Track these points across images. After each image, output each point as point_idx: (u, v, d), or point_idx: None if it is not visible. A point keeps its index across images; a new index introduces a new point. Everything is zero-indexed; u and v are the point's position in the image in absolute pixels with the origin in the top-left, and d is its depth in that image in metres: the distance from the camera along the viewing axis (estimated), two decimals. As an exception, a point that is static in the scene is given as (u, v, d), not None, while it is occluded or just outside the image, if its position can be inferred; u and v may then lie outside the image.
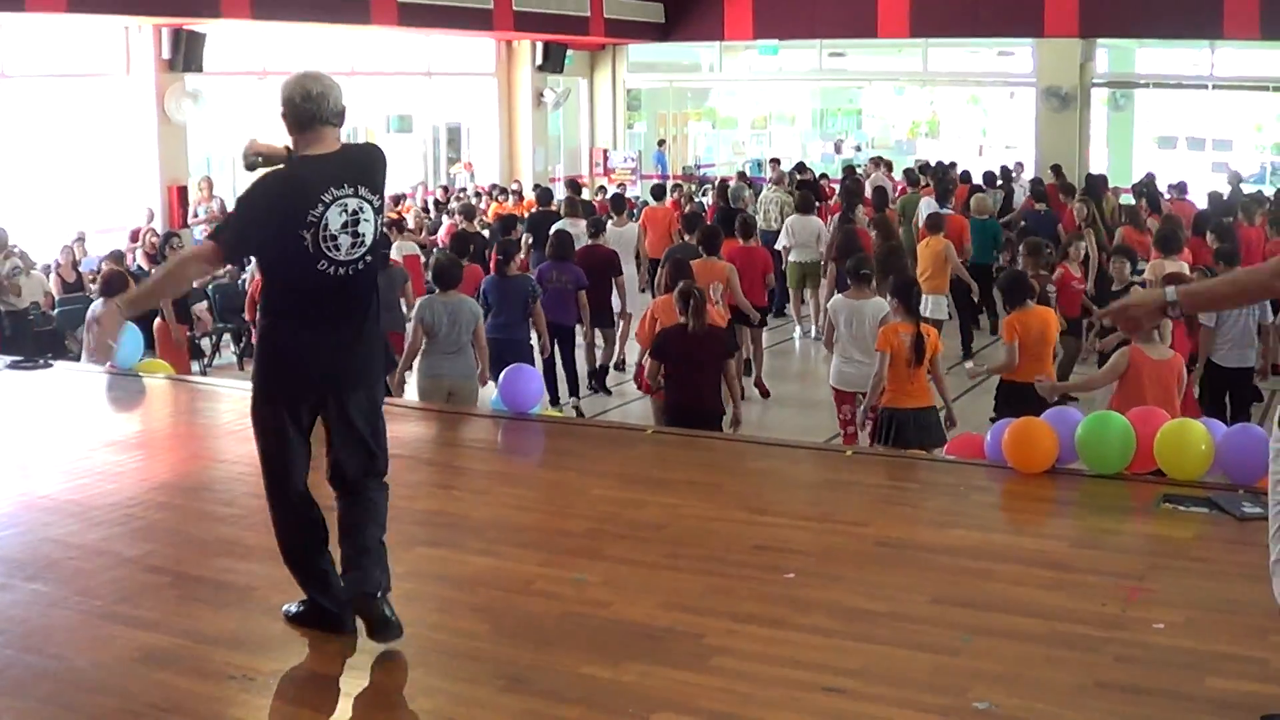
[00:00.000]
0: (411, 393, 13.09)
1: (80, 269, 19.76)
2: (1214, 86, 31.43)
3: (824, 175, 29.46)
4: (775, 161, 27.58)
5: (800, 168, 28.84)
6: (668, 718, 5.75)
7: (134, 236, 21.92)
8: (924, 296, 16.04)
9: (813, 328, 20.05)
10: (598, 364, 17.46)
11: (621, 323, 18.00)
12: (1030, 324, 12.07)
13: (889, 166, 30.12)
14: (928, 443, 11.27)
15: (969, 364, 15.97)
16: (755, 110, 39.15)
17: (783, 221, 21.78)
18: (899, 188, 26.77)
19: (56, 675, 5.57)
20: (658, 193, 25.84)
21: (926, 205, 22.22)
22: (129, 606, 6.99)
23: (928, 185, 24.38)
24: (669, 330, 11.66)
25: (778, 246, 20.94)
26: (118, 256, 18.90)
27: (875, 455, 10.68)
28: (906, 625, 6.76)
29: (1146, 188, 24.45)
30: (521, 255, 17.79)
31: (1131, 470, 9.30)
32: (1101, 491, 9.16)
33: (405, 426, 11.57)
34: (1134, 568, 7.64)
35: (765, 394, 17.13)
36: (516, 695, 6.01)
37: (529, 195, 27.26)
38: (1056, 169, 27.63)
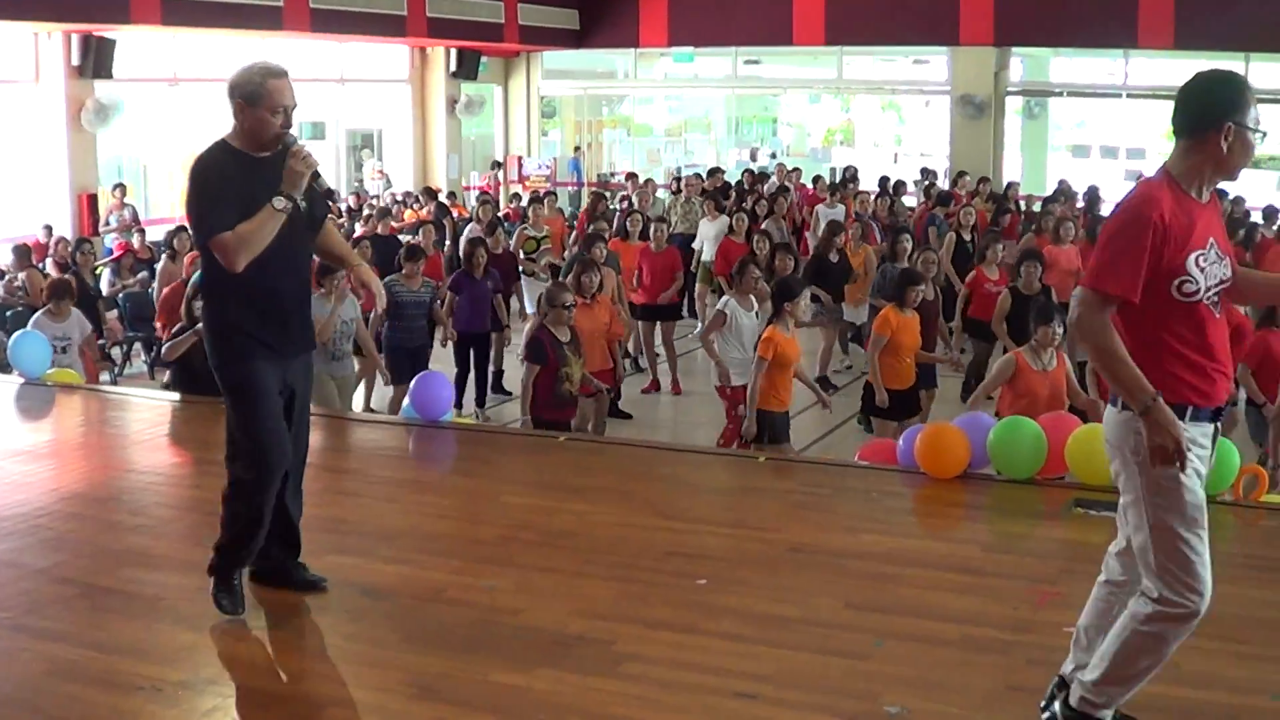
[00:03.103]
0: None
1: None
2: (1128, 95, 31.63)
3: (740, 182, 29.43)
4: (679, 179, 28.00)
5: (713, 173, 28.89)
6: (579, 725, 5.73)
7: (38, 250, 21.56)
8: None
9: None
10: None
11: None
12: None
13: (797, 174, 30.15)
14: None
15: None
16: (671, 118, 39.15)
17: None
18: (806, 195, 26.99)
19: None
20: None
21: (825, 213, 22.57)
22: (37, 618, 6.92)
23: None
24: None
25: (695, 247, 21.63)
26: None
27: (786, 461, 10.68)
28: (818, 630, 6.77)
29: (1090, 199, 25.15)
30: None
31: (1043, 475, 9.36)
32: (1013, 496, 9.23)
33: (315, 435, 11.51)
34: (1046, 572, 7.69)
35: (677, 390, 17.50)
36: (427, 704, 5.98)
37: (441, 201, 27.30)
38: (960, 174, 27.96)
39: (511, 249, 18.70)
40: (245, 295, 6.61)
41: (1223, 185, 5.83)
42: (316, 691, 6.25)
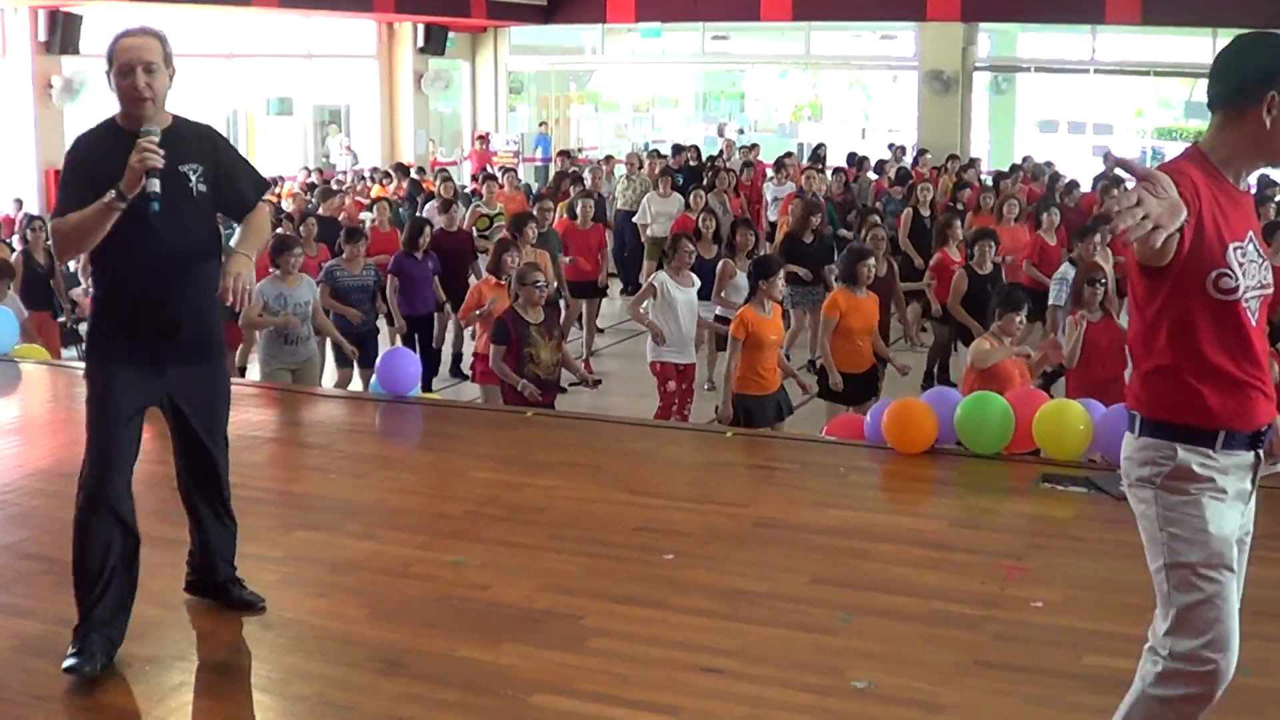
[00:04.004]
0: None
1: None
2: (1095, 71, 31.70)
3: (712, 158, 29.25)
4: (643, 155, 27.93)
5: (676, 149, 28.85)
6: (546, 700, 5.74)
7: (6, 225, 21.48)
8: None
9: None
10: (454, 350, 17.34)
11: None
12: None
13: (696, 152, 29.83)
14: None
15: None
16: (638, 94, 39.15)
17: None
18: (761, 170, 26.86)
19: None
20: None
21: (773, 190, 22.59)
22: (4, 594, 6.90)
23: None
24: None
25: (636, 221, 21.82)
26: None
27: (755, 436, 10.67)
28: (786, 605, 6.79)
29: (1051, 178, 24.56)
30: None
31: (1010, 450, 9.38)
32: (981, 471, 9.25)
33: (282, 410, 11.52)
34: (1013, 547, 7.71)
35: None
36: (395, 679, 5.98)
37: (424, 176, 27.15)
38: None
39: (464, 226, 18.45)
40: (120, 293, 6.04)
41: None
42: (284, 666, 6.23)
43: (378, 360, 12.01)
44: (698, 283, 13.39)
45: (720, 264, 14.71)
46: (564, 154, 29.88)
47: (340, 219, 19.34)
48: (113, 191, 5.59)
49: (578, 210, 18.33)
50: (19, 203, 22.12)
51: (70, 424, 11.01)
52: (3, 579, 7.14)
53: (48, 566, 7.36)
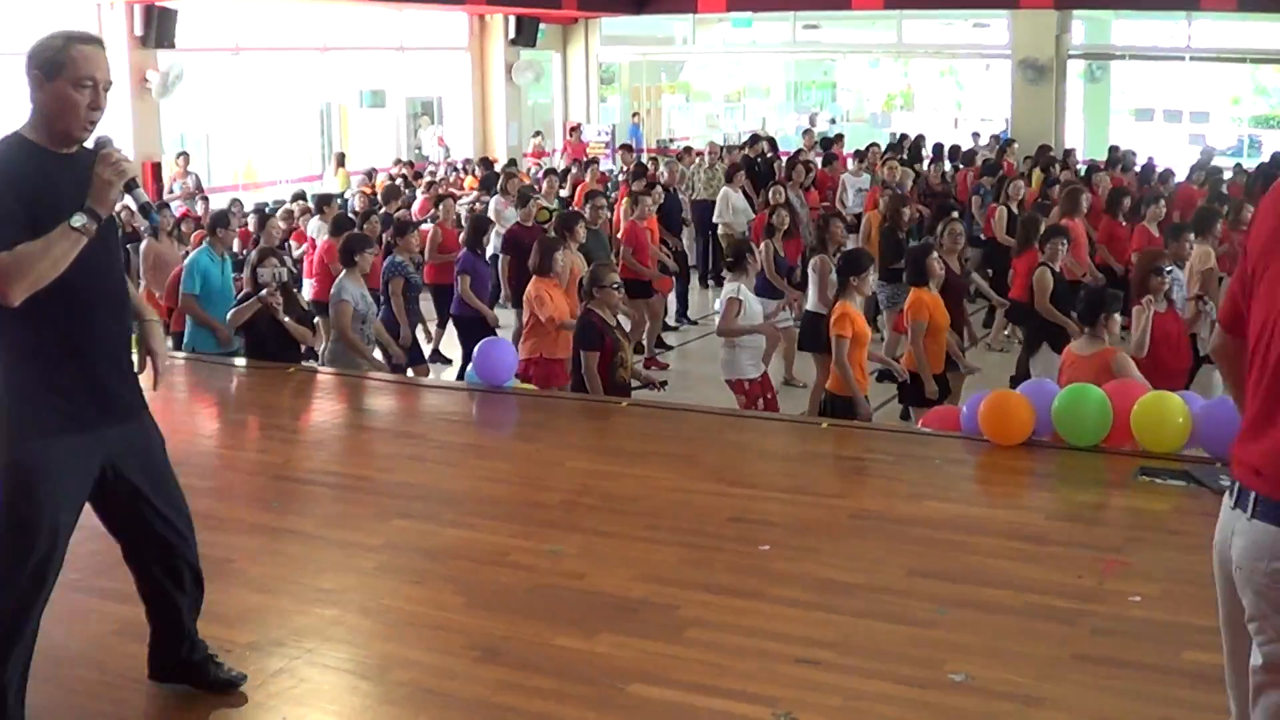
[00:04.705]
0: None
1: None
2: (1191, 58, 31.38)
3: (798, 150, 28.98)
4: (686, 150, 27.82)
5: (752, 140, 28.69)
6: (642, 689, 5.75)
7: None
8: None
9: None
10: None
11: None
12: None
13: (771, 143, 29.61)
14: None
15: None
16: (729, 84, 39.07)
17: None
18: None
19: (35, 648, 5.54)
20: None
21: (851, 182, 22.43)
22: (106, 580, 6.95)
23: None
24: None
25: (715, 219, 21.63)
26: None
27: (849, 427, 10.62)
28: (882, 597, 6.76)
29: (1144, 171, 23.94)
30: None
31: (1108, 443, 9.30)
32: (1078, 464, 9.17)
33: (379, 399, 11.59)
34: (1111, 540, 7.65)
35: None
36: (491, 666, 6.01)
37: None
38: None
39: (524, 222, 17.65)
40: (53, 342, 5.03)
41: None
42: (381, 653, 6.27)
43: (475, 349, 11.96)
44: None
45: (817, 261, 14.35)
46: (625, 148, 29.76)
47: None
48: (81, 215, 4.85)
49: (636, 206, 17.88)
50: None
51: (168, 413, 11.10)
52: (105, 565, 7.18)
53: (149, 554, 7.44)
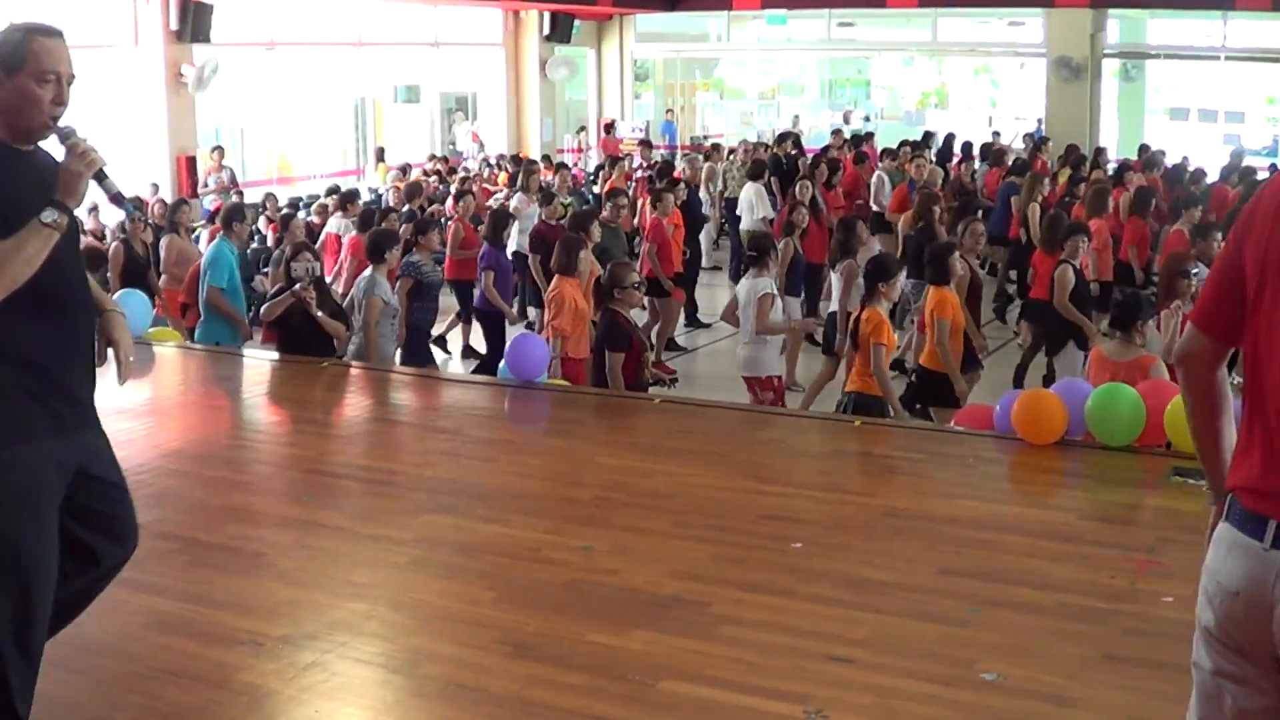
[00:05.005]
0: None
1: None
2: (1226, 58, 31.29)
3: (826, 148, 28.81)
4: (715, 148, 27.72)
5: (780, 139, 28.63)
6: (673, 686, 5.75)
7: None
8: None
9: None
10: None
11: None
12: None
13: (796, 141, 29.18)
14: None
15: None
16: (763, 81, 39.06)
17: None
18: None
19: (65, 639, 5.54)
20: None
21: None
22: (138, 572, 6.93)
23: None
24: None
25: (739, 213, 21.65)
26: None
27: (883, 425, 10.61)
28: (914, 596, 6.76)
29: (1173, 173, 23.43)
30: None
31: (1141, 443, 9.27)
32: (1111, 464, 9.15)
33: (413, 394, 11.61)
34: (1143, 540, 7.64)
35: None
36: (522, 662, 6.02)
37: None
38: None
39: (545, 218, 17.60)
40: (27, 343, 4.75)
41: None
42: (412, 647, 6.29)
43: (508, 344, 11.97)
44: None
45: (845, 265, 14.29)
46: (645, 143, 29.70)
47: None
48: (50, 209, 4.63)
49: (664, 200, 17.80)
50: (155, 187, 22.40)
51: (201, 406, 11.21)
52: (137, 557, 7.14)
53: (181, 546, 7.49)
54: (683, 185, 20.11)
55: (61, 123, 4.78)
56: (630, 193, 21.60)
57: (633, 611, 6.57)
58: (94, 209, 19.04)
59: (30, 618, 4.76)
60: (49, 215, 4.60)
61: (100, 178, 4.86)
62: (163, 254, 16.10)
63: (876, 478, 9.31)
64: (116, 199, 5.20)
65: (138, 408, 10.69)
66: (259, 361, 12.30)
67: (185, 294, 14.18)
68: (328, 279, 15.26)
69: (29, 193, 4.66)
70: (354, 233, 17.30)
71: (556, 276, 12.35)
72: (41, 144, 4.86)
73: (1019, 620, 6.45)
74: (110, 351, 5.19)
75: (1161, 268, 12.45)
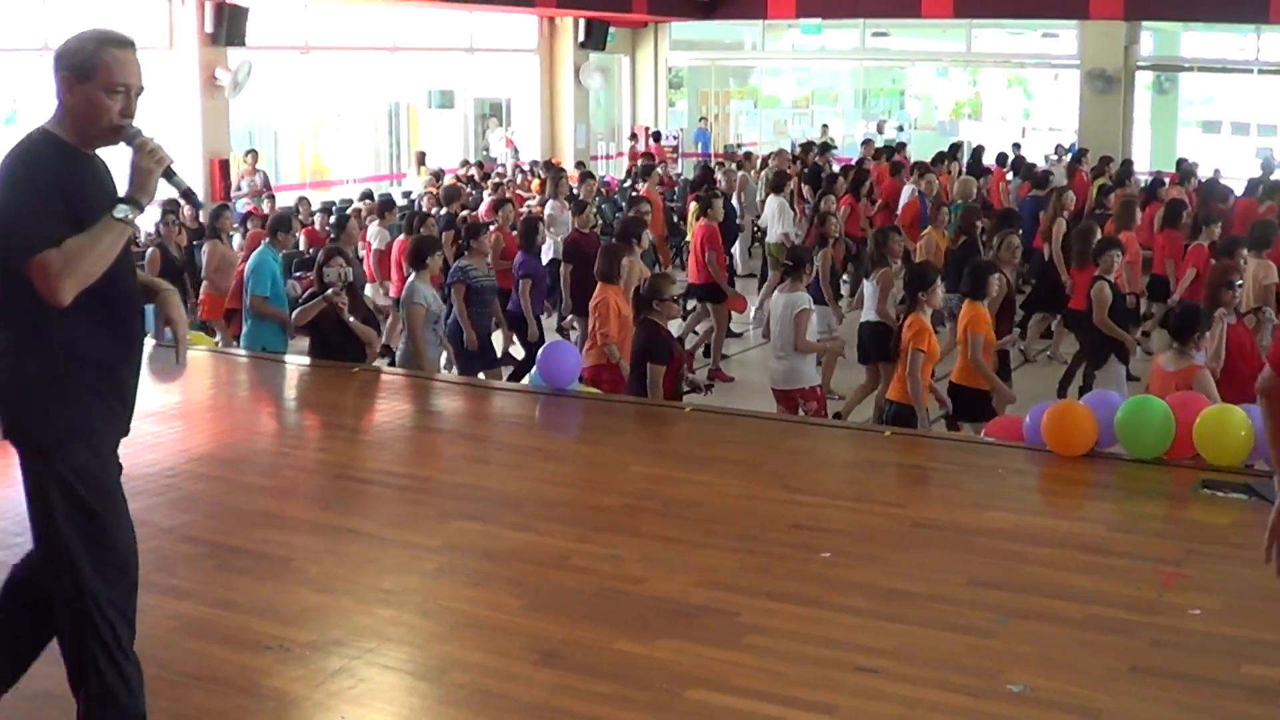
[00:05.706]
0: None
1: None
2: (1259, 71, 31.16)
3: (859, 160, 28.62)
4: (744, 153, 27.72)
5: (806, 147, 28.55)
6: (701, 695, 5.76)
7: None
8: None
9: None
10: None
11: None
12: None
13: (823, 150, 28.96)
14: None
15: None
16: (797, 90, 39.05)
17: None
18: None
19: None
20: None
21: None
22: (166, 576, 7.01)
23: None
24: None
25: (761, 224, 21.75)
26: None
27: (913, 436, 10.60)
28: (942, 606, 6.75)
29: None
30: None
31: (1170, 455, 9.25)
32: (1140, 476, 9.12)
33: (442, 401, 11.62)
34: (1171, 553, 7.62)
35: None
36: (550, 670, 6.02)
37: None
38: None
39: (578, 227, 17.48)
40: (75, 343, 4.78)
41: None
42: (439, 654, 6.30)
43: (540, 352, 11.96)
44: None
45: (881, 274, 14.25)
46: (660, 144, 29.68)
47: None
48: (123, 205, 4.74)
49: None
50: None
51: (231, 410, 11.24)
52: (165, 562, 7.26)
53: (209, 550, 7.52)
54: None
55: (129, 127, 4.83)
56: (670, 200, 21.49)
57: (661, 620, 6.57)
58: None
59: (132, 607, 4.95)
60: (121, 211, 4.71)
61: (169, 174, 4.92)
62: (204, 259, 16.18)
63: (906, 488, 9.31)
64: (187, 195, 5.31)
65: (167, 411, 10.73)
66: (289, 366, 12.33)
67: (232, 300, 14.22)
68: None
69: (95, 194, 4.77)
70: (388, 239, 17.34)
71: (599, 284, 12.35)
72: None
73: (1046, 631, 6.44)
74: (168, 331, 5.27)
75: (1206, 281, 12.44)
